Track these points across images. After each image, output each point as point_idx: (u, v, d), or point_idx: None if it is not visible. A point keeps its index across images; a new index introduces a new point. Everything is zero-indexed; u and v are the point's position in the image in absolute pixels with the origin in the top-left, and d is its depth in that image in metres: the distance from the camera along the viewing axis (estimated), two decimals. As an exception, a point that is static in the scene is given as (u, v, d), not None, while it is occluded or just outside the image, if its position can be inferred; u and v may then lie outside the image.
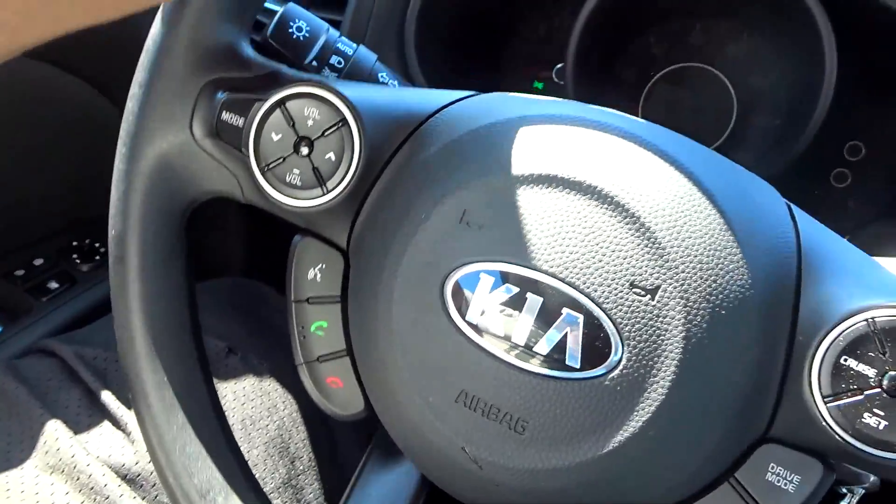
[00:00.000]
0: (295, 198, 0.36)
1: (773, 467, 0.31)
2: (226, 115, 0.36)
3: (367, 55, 0.47)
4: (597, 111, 0.35)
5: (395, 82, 0.48)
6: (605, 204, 0.31)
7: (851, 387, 0.29)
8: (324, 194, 0.35)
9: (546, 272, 0.31)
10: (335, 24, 0.51)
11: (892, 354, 0.28)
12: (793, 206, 0.34)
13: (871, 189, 0.60)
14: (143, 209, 0.38)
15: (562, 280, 0.31)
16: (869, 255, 0.33)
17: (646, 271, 0.30)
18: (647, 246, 0.30)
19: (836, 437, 0.29)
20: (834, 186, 0.61)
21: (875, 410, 0.28)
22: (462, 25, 0.64)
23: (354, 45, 0.48)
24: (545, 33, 0.67)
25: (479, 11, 0.64)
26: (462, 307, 0.32)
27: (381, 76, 0.48)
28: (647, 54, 0.65)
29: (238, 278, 0.74)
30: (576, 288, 0.30)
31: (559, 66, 0.67)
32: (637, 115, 0.67)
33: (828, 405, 0.29)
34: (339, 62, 0.47)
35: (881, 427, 0.28)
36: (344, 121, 0.35)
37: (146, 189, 0.38)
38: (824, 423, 0.29)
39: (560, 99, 0.37)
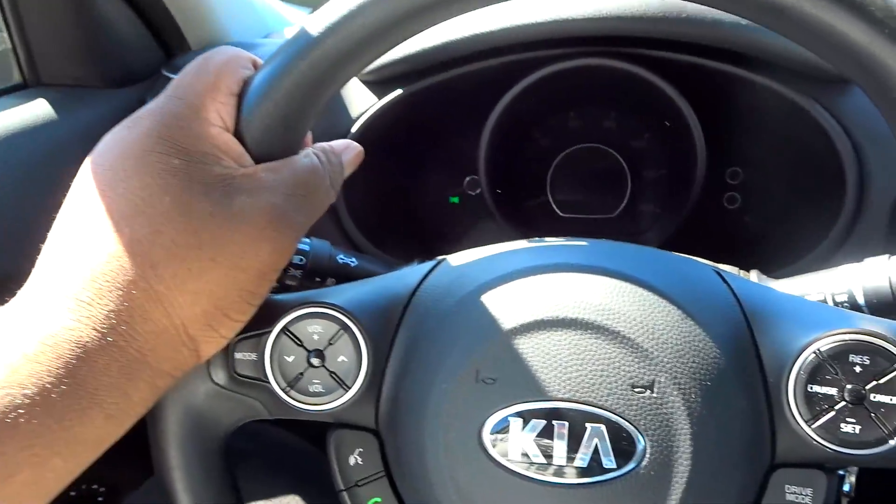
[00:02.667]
0: (321, 403, 0.40)
1: (788, 488, 0.37)
2: (239, 355, 0.41)
3: (320, 245, 0.53)
4: (547, 252, 0.42)
5: (354, 259, 0.54)
6: (588, 330, 0.38)
7: (823, 407, 0.36)
8: (346, 391, 0.40)
9: (562, 399, 0.37)
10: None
11: (843, 372, 0.36)
12: (721, 271, 0.41)
13: (758, 202, 0.70)
14: (183, 458, 0.42)
15: (577, 402, 0.37)
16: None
17: (639, 372, 0.37)
18: (633, 353, 0.37)
19: (827, 449, 0.36)
20: (728, 209, 0.71)
21: (848, 419, 0.35)
22: (380, 182, 0.71)
23: (307, 239, 0.53)
24: (450, 157, 0.75)
25: (389, 163, 0.71)
26: (505, 452, 0.37)
27: (340, 258, 0.53)
28: (538, 148, 0.74)
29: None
30: (590, 404, 0.37)
31: (468, 178, 0.75)
32: (549, 201, 0.76)
33: (811, 426, 0.36)
34: (300, 260, 0.52)
35: (857, 431, 0.35)
36: (345, 326, 0.40)
37: (180, 440, 0.42)
38: (814, 442, 0.36)
39: (506, 248, 0.44)
